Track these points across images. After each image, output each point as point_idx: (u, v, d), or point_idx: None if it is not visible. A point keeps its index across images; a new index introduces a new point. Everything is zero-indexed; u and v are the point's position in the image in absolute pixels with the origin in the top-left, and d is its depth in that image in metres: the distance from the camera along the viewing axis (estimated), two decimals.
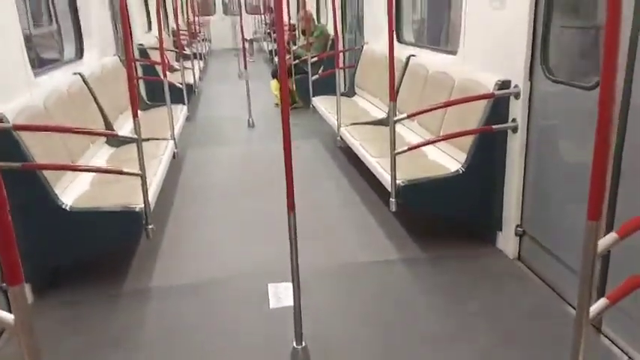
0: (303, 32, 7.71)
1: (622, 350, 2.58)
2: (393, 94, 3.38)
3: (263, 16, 14.69)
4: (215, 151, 6.54)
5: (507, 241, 3.57)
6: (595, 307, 1.64)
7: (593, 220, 1.54)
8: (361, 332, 2.88)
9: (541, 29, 3.08)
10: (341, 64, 7.74)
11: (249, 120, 7.57)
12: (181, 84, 6.53)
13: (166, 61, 6.98)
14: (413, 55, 5.04)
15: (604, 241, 1.60)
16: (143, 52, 8.00)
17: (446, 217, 3.83)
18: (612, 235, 1.62)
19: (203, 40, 13.82)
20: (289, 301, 2.61)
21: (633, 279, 1.75)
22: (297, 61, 7.86)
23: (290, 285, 2.57)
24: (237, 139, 7.13)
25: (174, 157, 4.77)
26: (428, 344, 2.73)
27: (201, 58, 11.63)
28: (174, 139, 4.89)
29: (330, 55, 5.75)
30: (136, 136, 3.11)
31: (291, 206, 2.38)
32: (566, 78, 2.98)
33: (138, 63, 7.38)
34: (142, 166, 3.12)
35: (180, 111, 5.96)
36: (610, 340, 2.65)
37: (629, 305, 2.50)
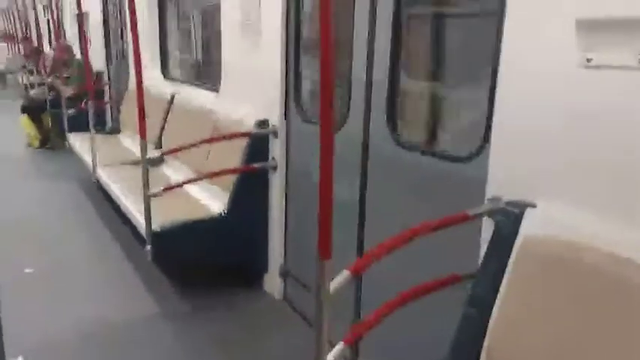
0: (63, 64, 6.90)
1: None
2: (144, 130, 3.07)
3: (18, 46, 12.97)
4: None
5: (273, 283, 3.48)
6: (333, 353, 1.55)
7: (323, 260, 1.45)
8: None
9: (292, 72, 3.14)
10: (107, 99, 7.15)
11: None
12: None
13: None
14: (177, 92, 4.80)
15: (337, 280, 1.53)
16: None
17: (211, 261, 3.58)
18: (344, 273, 1.56)
19: None
20: None
21: (362, 324, 1.72)
22: (53, 94, 6.98)
23: None
24: None
25: None
26: None
27: None
28: None
29: (86, 88, 5.19)
30: None
31: None
32: (313, 117, 3.06)
33: None
34: None
35: None
36: None
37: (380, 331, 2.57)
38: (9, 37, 15.03)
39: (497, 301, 1.68)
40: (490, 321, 1.68)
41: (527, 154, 1.73)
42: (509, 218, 1.70)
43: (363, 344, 2.66)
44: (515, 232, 1.68)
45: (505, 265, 1.68)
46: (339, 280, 1.51)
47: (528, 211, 1.67)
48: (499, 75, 1.81)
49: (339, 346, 1.58)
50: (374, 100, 2.50)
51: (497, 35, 1.81)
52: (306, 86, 3.16)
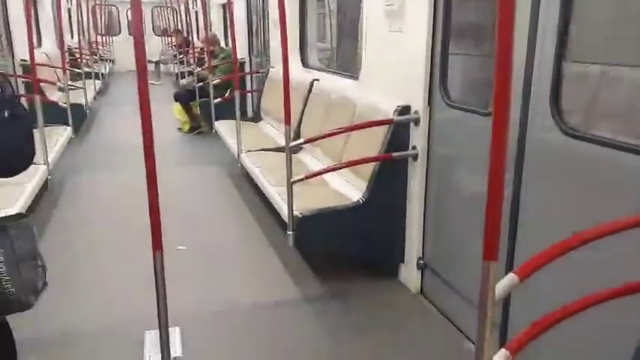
0: (210, 54, 7.39)
1: None
2: (288, 118, 3.13)
3: (170, 38, 14.17)
4: (101, 179, 5.89)
5: (410, 275, 3.39)
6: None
7: (489, 260, 1.33)
8: None
9: (439, 55, 2.99)
10: (248, 88, 7.52)
11: None
12: (65, 103, 5.90)
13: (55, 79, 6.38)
14: (316, 80, 4.87)
15: (503, 284, 1.40)
16: (26, 69, 7.25)
17: (347, 250, 3.58)
18: (511, 277, 1.42)
19: (102, 59, 12.99)
20: (172, 350, 2.31)
21: (535, 327, 1.56)
22: (200, 83, 7.52)
23: (175, 330, 2.54)
24: (128, 166, 6.48)
25: (46, 185, 4.20)
26: None
27: (98, 78, 10.86)
28: (46, 163, 4.31)
29: (232, 78, 5.51)
30: None
31: (157, 245, 2.01)
32: (463, 103, 2.89)
33: (19, 80, 6.65)
34: None
35: (62, 133, 5.35)
36: None
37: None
38: (162, 31, 16.50)
39: None
40: None
41: None
42: None
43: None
44: None
45: None
46: (505, 284, 1.38)
47: None
48: None
49: (502, 352, 1.45)
50: (535, 81, 2.27)
51: None
52: (456, 70, 2.99)
